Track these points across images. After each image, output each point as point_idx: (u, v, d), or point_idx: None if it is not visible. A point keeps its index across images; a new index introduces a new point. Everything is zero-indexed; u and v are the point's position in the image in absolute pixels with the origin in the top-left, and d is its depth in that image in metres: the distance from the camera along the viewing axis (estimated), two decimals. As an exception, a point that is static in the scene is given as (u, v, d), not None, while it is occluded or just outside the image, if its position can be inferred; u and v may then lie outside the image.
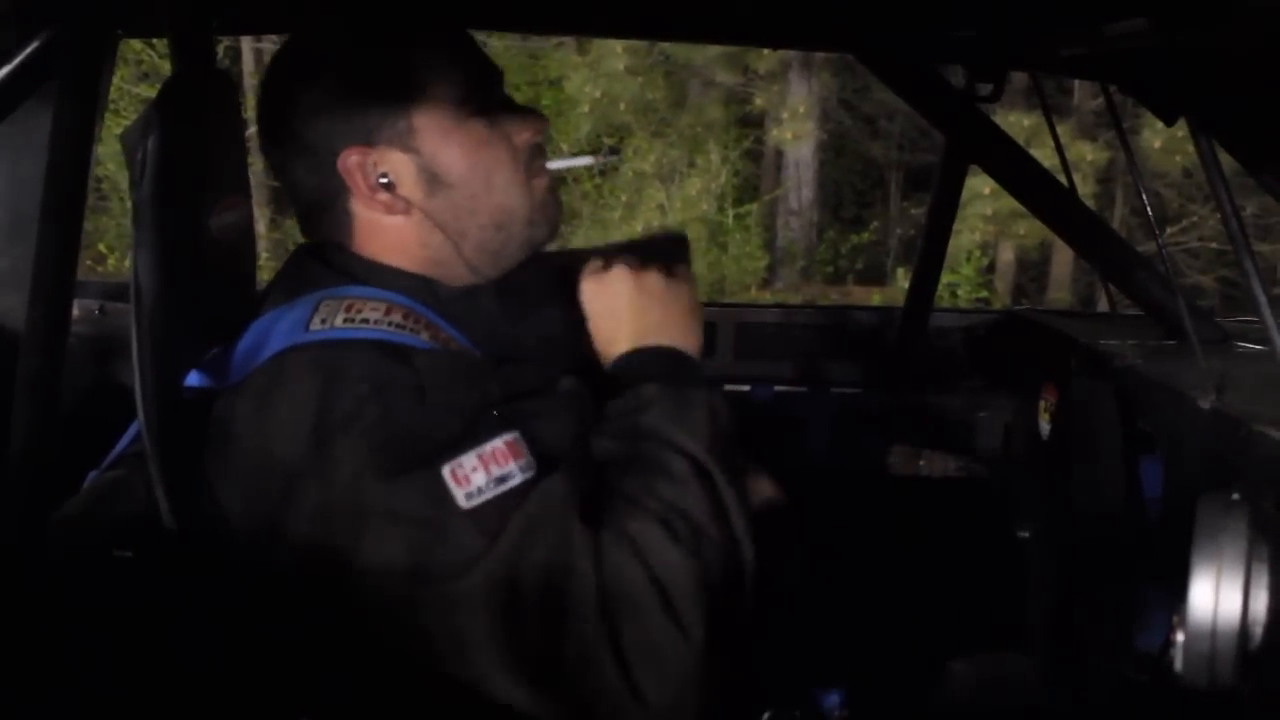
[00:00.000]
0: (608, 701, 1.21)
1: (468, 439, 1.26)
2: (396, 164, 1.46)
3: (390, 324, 1.36)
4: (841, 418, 2.70)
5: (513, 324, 1.55)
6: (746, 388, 2.75)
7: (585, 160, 1.64)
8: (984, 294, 12.32)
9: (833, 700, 1.81)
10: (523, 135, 1.53)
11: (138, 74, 10.76)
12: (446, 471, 1.23)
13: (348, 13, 1.54)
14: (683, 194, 12.26)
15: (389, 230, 1.49)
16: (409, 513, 1.23)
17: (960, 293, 11.46)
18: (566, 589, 1.21)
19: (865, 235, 13.83)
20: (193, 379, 1.35)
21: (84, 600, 1.34)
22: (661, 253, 1.54)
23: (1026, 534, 2.25)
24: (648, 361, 1.44)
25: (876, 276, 13.58)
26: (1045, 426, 2.25)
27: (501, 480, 1.25)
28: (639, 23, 2.25)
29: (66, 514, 1.41)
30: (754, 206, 13.03)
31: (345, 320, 1.35)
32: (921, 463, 2.69)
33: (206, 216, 1.44)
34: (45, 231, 1.33)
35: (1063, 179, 2.48)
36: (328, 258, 1.51)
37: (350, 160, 1.45)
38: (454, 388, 1.31)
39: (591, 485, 1.30)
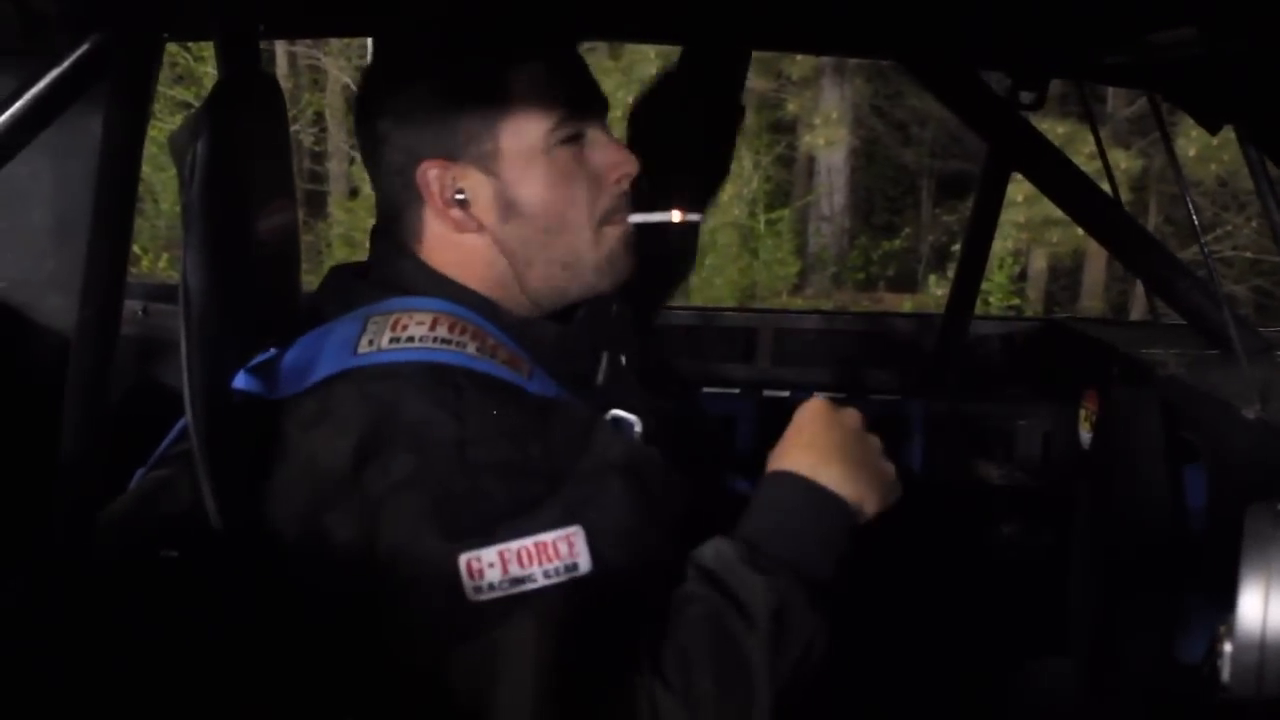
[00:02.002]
0: None
1: (504, 521, 1.24)
2: (475, 184, 1.45)
3: (436, 340, 1.35)
4: (880, 425, 2.69)
5: (573, 360, 1.52)
6: (785, 394, 2.74)
7: (667, 216, 1.58)
8: (1015, 301, 12.27)
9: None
10: (610, 176, 1.50)
11: (172, 77, 10.80)
12: (463, 560, 1.21)
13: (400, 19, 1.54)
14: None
15: (457, 246, 1.48)
16: (414, 577, 1.24)
17: (992, 300, 11.40)
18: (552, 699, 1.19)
19: (897, 242, 13.78)
20: (240, 382, 1.36)
21: (130, 600, 1.35)
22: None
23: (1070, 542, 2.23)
24: (792, 496, 1.36)
25: (908, 283, 13.54)
26: (1086, 435, 2.24)
27: (517, 582, 1.21)
28: (678, 28, 2.25)
29: (113, 513, 1.41)
30: (786, 212, 12.99)
31: (391, 340, 1.35)
32: (962, 470, 2.68)
33: (254, 219, 1.44)
34: (97, 233, 1.34)
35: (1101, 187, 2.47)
36: (388, 262, 1.51)
37: (430, 173, 1.44)
38: (497, 444, 1.29)
39: (636, 592, 1.26)
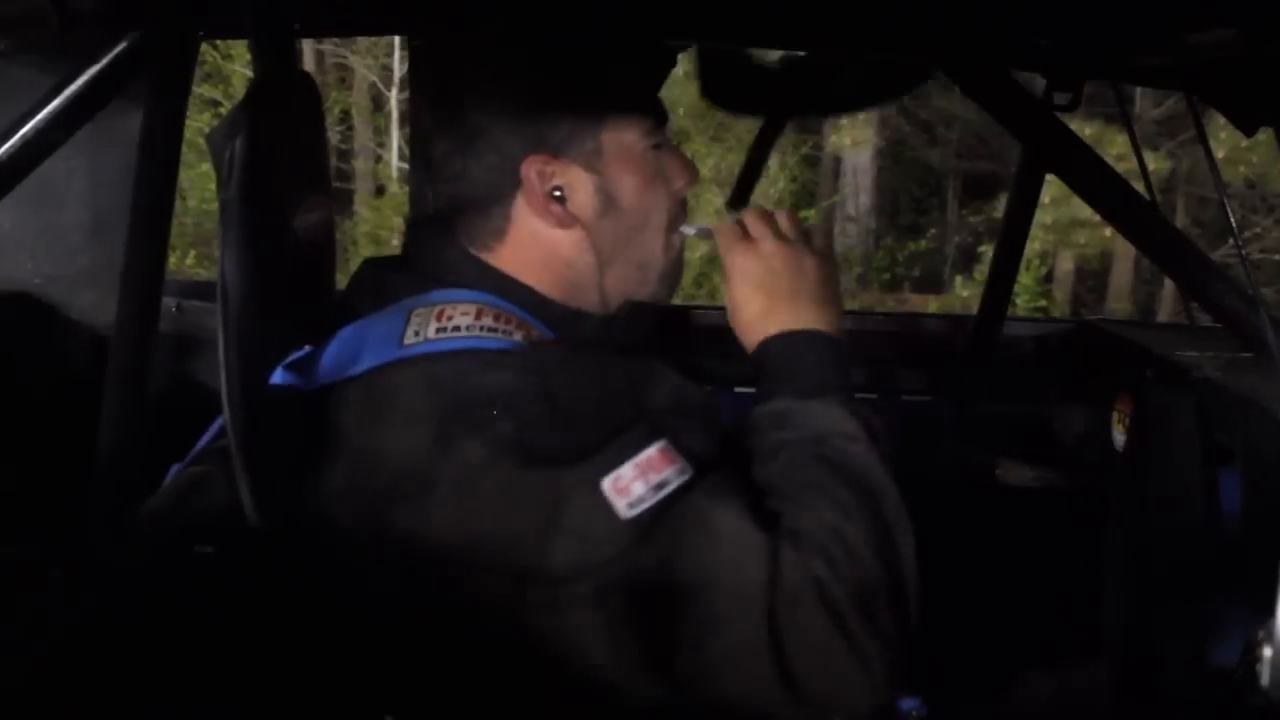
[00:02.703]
0: (760, 700, 1.21)
1: (619, 446, 1.25)
2: (575, 180, 1.48)
3: (483, 329, 1.37)
4: (912, 426, 2.69)
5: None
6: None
7: (708, 230, 1.56)
8: (1043, 303, 12.23)
9: (911, 704, 1.81)
10: (679, 183, 1.55)
11: (200, 75, 10.84)
12: (606, 484, 1.23)
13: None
14: (740, 199, 12.22)
15: (544, 242, 1.49)
16: (554, 520, 1.23)
17: (1019, 301, 11.38)
18: (730, 588, 1.21)
19: (923, 243, 13.77)
20: (278, 377, 1.36)
21: (168, 595, 1.35)
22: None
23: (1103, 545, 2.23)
24: (802, 351, 1.44)
25: (934, 284, 13.52)
26: (1120, 437, 2.22)
27: (660, 486, 1.23)
28: (709, 28, 2.25)
29: (150, 509, 1.42)
30: (812, 212, 12.99)
31: (438, 330, 1.36)
32: (997, 471, 2.67)
33: (291, 216, 1.44)
34: (135, 230, 1.35)
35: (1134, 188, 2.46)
36: (432, 254, 1.51)
37: (533, 168, 1.46)
38: (583, 391, 1.32)
39: (747, 487, 1.30)
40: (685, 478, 1.25)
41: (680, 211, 1.56)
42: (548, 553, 1.22)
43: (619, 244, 1.51)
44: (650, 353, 1.50)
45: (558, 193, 1.47)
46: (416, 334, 1.36)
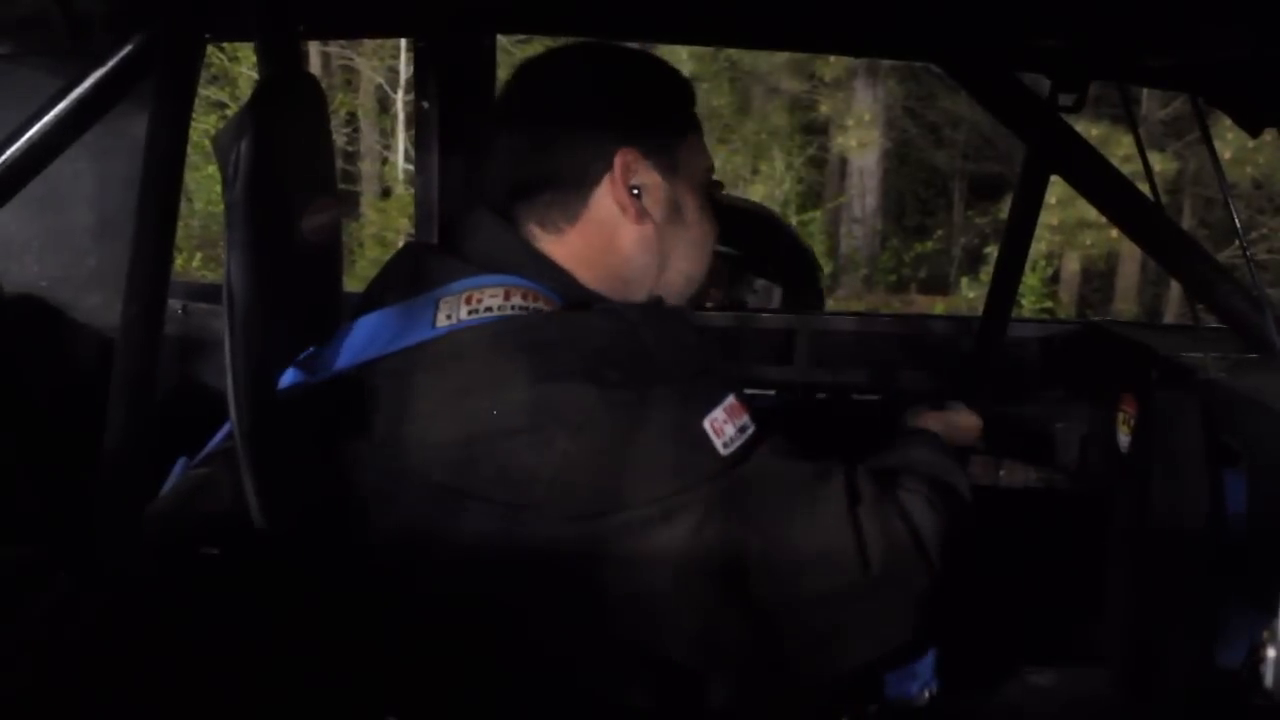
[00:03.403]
0: (839, 592, 1.36)
1: (707, 390, 1.35)
2: (652, 183, 1.53)
3: (513, 307, 1.38)
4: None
5: None
6: (823, 395, 2.74)
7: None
8: (1048, 304, 12.23)
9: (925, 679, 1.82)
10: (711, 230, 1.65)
11: (206, 77, 10.85)
12: (708, 424, 1.32)
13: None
14: (746, 200, 12.24)
15: (612, 233, 1.52)
16: (657, 461, 1.31)
17: (1025, 302, 11.38)
18: (810, 494, 1.37)
19: (929, 244, 13.77)
20: (288, 377, 1.36)
21: (174, 597, 1.36)
22: None
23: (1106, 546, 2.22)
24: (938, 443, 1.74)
25: (940, 285, 13.52)
26: (1124, 438, 2.22)
27: (743, 429, 1.35)
28: (719, 29, 2.25)
29: (156, 511, 1.42)
30: (817, 214, 13.01)
31: (470, 312, 1.37)
32: (1002, 472, 2.66)
33: (298, 218, 1.45)
34: (141, 232, 1.35)
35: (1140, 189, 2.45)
36: (483, 234, 1.52)
37: (626, 157, 1.50)
38: (669, 339, 1.39)
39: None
40: (755, 426, 1.37)
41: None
42: (655, 481, 1.30)
43: (677, 252, 1.57)
44: None
45: (635, 191, 1.51)
46: (449, 317, 1.37)
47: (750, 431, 1.35)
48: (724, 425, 1.33)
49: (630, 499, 1.29)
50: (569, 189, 1.51)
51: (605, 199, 1.51)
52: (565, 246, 1.51)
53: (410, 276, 1.47)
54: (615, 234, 1.52)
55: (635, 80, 1.57)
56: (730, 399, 1.35)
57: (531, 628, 1.35)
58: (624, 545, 1.29)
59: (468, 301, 1.38)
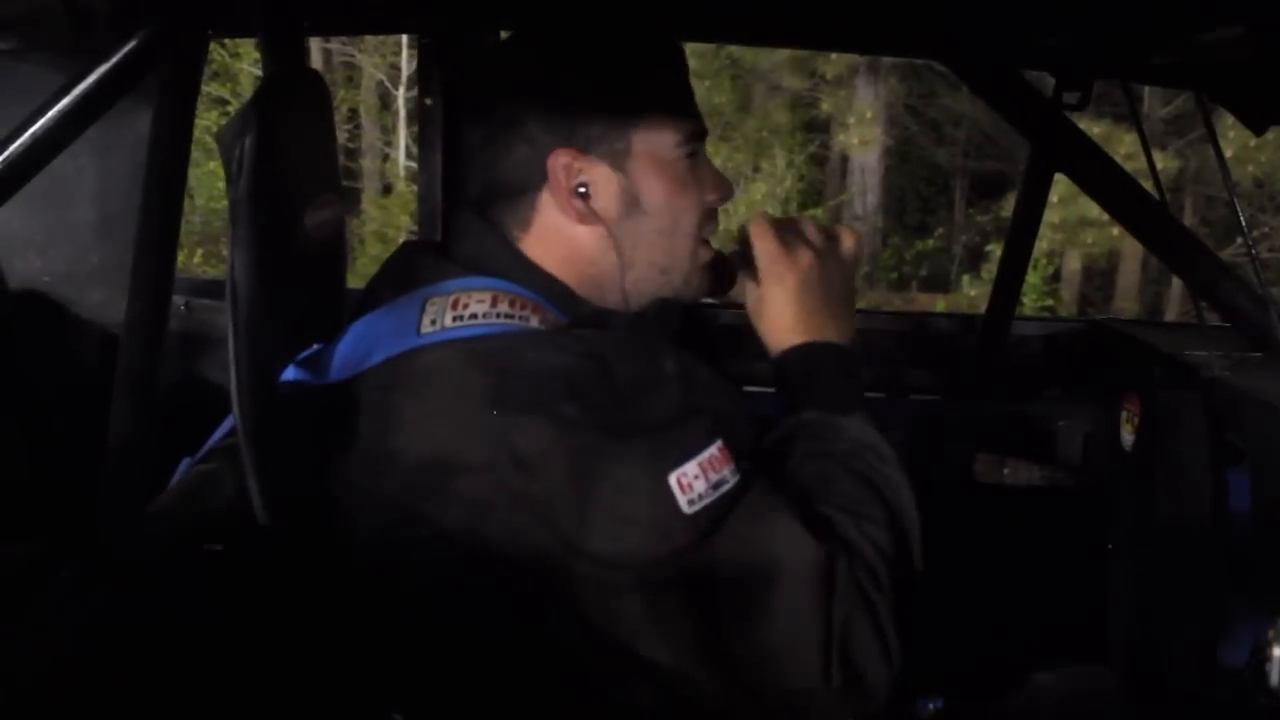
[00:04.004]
0: (802, 689, 1.27)
1: (683, 441, 1.28)
2: (600, 178, 1.48)
3: (499, 315, 1.36)
4: (920, 425, 2.68)
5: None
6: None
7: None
8: (1050, 302, 12.23)
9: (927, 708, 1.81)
10: (712, 196, 1.55)
11: (208, 73, 10.85)
12: (673, 479, 1.25)
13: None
14: (747, 198, 12.26)
15: (566, 238, 1.49)
16: (618, 512, 1.25)
17: (1026, 301, 11.38)
18: (786, 586, 1.26)
19: (930, 242, 13.77)
20: (288, 374, 1.36)
21: (177, 593, 1.36)
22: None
23: (1110, 545, 2.22)
24: (828, 364, 1.49)
25: (941, 283, 13.52)
26: (1128, 437, 2.22)
27: (718, 485, 1.26)
28: (721, 26, 2.25)
29: (160, 507, 1.42)
30: (819, 211, 13.00)
31: (455, 319, 1.35)
32: (1005, 471, 2.66)
33: (301, 215, 1.44)
34: (145, 228, 1.35)
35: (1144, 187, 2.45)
36: (472, 238, 1.51)
37: (560, 160, 1.46)
38: (640, 376, 1.33)
39: (789, 491, 1.34)
40: (738, 479, 1.28)
41: (710, 225, 1.57)
42: (609, 538, 1.24)
43: (642, 245, 1.51)
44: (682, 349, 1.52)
45: (582, 189, 1.47)
46: (433, 323, 1.35)
47: (727, 488, 1.27)
48: (694, 481, 1.25)
49: (583, 549, 1.24)
50: (515, 196, 1.49)
51: (550, 205, 1.48)
52: (539, 248, 1.50)
53: (404, 275, 1.47)
54: (569, 238, 1.49)
55: (569, 75, 1.50)
56: (712, 449, 1.27)
57: (515, 638, 1.33)
58: (571, 593, 1.25)
59: (454, 306, 1.36)
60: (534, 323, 1.38)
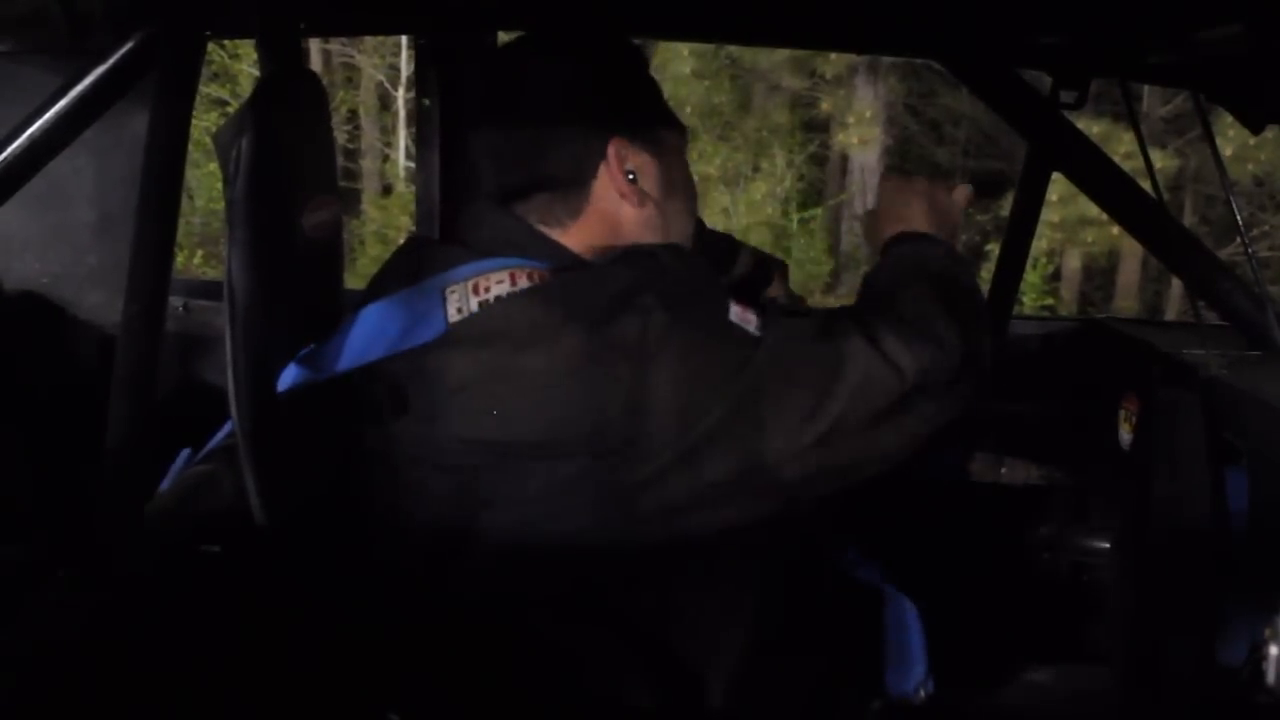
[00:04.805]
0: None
1: (722, 294, 1.44)
2: (645, 164, 1.57)
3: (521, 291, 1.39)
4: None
5: None
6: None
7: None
8: (1050, 301, 12.22)
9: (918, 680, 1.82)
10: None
11: (207, 74, 10.84)
12: (734, 317, 1.41)
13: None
14: (747, 198, 12.27)
15: (615, 220, 1.56)
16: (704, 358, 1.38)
17: (1026, 299, 11.37)
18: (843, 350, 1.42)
19: (930, 241, 13.74)
20: (290, 373, 1.36)
21: (175, 594, 1.36)
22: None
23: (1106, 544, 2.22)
24: (929, 250, 1.65)
25: (941, 282, 13.49)
26: (1126, 436, 2.22)
27: (760, 313, 1.43)
28: (720, 26, 2.25)
29: (157, 508, 1.42)
30: (819, 211, 12.99)
31: (480, 303, 1.38)
32: (1003, 470, 2.66)
33: (299, 215, 1.44)
34: (142, 230, 1.35)
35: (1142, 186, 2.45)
36: (488, 224, 1.53)
37: (616, 147, 1.54)
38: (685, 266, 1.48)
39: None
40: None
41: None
42: (721, 385, 1.37)
43: (677, 223, 1.62)
44: None
45: (631, 175, 1.55)
46: (459, 310, 1.37)
47: (762, 315, 1.42)
48: (746, 314, 1.41)
49: (699, 407, 1.35)
50: (567, 187, 1.53)
51: (605, 190, 1.54)
52: (569, 237, 1.53)
53: (413, 266, 1.48)
54: (619, 221, 1.55)
55: (609, 67, 1.60)
56: (731, 301, 1.42)
57: (558, 614, 1.35)
58: (701, 455, 1.35)
59: (475, 291, 1.38)
60: None
